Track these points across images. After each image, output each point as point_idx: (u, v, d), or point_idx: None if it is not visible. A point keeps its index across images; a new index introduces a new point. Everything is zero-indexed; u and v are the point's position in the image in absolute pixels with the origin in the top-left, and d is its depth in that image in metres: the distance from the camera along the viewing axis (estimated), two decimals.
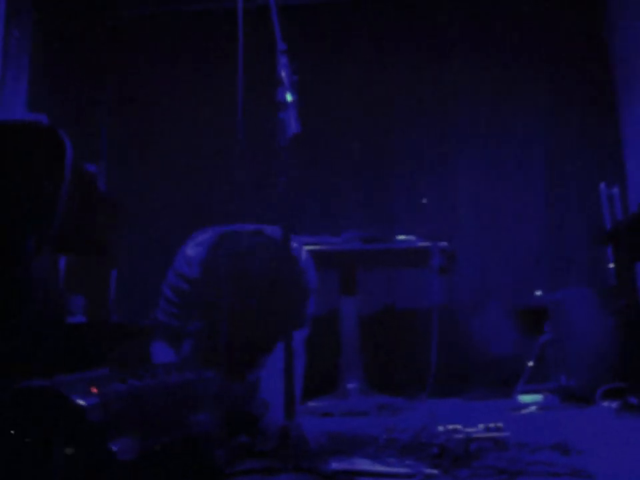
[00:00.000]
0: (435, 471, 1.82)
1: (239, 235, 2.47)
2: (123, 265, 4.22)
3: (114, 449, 1.32)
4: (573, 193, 4.92)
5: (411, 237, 3.91)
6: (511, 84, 5.10)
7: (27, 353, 1.98)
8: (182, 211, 4.94)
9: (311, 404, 3.60)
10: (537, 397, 3.71)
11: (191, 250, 2.50)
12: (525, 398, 3.72)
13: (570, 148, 4.98)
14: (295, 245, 2.37)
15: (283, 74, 2.04)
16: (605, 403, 3.37)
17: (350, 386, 3.79)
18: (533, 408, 3.46)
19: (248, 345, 2.38)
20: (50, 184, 1.93)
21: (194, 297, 2.46)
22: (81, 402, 1.34)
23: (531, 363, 3.88)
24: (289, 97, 2.01)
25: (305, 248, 2.66)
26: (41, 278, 2.16)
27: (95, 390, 1.39)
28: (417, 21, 5.26)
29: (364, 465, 1.89)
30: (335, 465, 1.86)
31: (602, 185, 4.49)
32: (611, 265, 4.25)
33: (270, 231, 2.50)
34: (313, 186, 4.90)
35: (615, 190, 4.41)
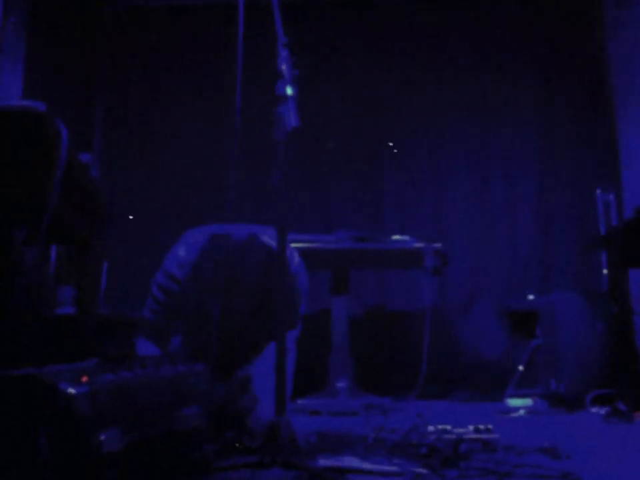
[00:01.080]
0: (423, 470, 1.81)
1: (232, 240, 2.45)
2: (115, 255, 4.19)
3: (101, 438, 1.30)
4: (567, 197, 4.92)
5: (405, 237, 3.89)
6: (505, 87, 5.10)
7: (15, 343, 1.96)
8: (176, 204, 4.91)
9: (300, 402, 3.59)
10: (526, 401, 3.70)
11: (183, 251, 2.47)
12: (514, 402, 3.71)
13: (565, 152, 4.98)
14: (288, 249, 2.35)
15: (284, 67, 2.01)
16: (594, 409, 3.38)
17: (339, 385, 3.78)
18: (522, 412, 3.46)
19: (238, 345, 2.37)
20: (43, 172, 1.90)
21: (182, 298, 2.44)
22: (70, 390, 1.32)
23: (521, 367, 3.87)
24: (289, 91, 1.99)
25: (296, 252, 2.63)
26: (30, 268, 2.13)
27: (85, 379, 1.37)
28: (410, 24, 5.26)
29: (352, 462, 1.88)
30: (324, 462, 1.85)
31: (598, 191, 4.50)
32: (605, 271, 4.26)
33: (263, 236, 2.47)
34: (306, 183, 4.88)
35: (611, 196, 4.41)
